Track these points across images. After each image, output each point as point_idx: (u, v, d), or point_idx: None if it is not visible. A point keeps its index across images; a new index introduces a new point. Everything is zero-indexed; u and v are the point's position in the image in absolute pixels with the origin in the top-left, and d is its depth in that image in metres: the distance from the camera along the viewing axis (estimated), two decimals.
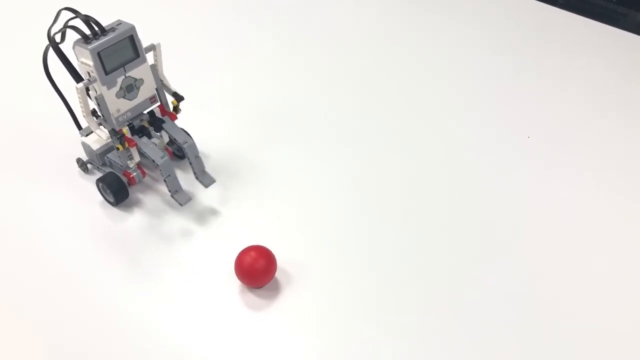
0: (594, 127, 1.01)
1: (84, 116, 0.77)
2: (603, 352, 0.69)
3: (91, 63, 0.72)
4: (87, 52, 0.71)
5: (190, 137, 0.84)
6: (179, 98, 0.84)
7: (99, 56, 0.72)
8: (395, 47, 1.22)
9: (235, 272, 0.74)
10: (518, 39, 1.24)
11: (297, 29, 1.28)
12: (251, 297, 0.75)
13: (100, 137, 0.87)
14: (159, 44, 0.80)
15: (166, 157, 0.81)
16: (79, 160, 0.91)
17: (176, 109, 0.84)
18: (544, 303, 0.74)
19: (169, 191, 0.84)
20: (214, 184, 0.86)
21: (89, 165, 0.91)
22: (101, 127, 0.88)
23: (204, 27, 1.28)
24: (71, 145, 0.94)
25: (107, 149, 0.88)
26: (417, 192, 0.89)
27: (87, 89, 0.75)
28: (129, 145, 0.79)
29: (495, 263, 0.79)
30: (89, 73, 0.74)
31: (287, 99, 1.07)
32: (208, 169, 0.87)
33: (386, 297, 0.75)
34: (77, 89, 0.73)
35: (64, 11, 0.75)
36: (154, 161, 0.82)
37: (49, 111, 0.99)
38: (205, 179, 0.84)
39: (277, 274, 0.77)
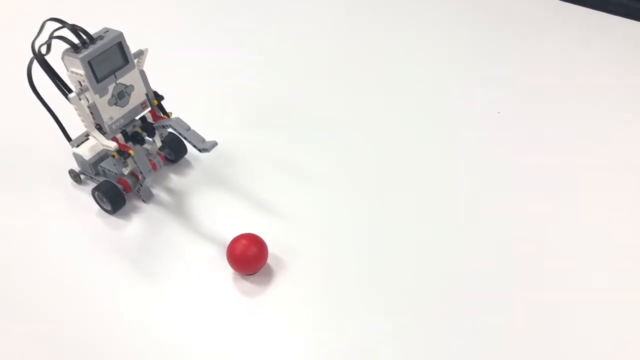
0: (564, 104, 1.05)
1: (88, 131, 0.77)
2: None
3: (82, 72, 0.72)
4: (78, 62, 0.71)
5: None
6: (159, 97, 0.84)
7: (90, 64, 0.72)
8: (387, 44, 1.24)
9: (228, 260, 0.76)
10: (488, 22, 1.27)
11: (293, 29, 1.29)
12: (245, 284, 0.77)
13: (93, 147, 0.87)
14: (146, 49, 0.80)
15: (152, 172, 0.86)
16: (71, 172, 0.90)
17: (163, 109, 0.85)
18: (533, 291, 0.77)
19: (138, 191, 0.87)
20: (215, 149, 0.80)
21: (82, 176, 0.90)
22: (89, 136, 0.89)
23: (191, 30, 1.29)
24: (61, 157, 0.93)
25: (99, 158, 0.88)
26: (405, 177, 0.92)
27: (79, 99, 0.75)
28: (123, 149, 0.79)
29: (481, 245, 0.81)
30: (80, 82, 0.74)
31: (277, 97, 1.09)
32: (201, 165, 0.88)
33: (377, 280, 0.77)
34: (70, 99, 0.73)
35: (48, 22, 0.75)
36: (141, 172, 0.83)
37: (33, 125, 0.99)
38: (207, 145, 0.78)
39: (269, 260, 0.79)
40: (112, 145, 0.76)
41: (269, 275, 0.78)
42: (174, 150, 0.92)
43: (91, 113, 0.76)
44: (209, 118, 1.01)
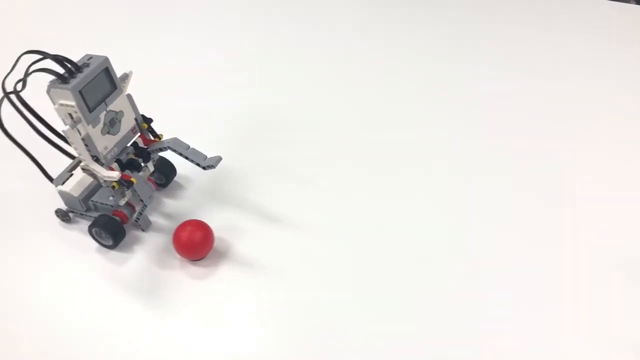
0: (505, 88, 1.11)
1: (84, 165, 0.73)
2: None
3: (73, 103, 0.68)
4: (68, 93, 0.67)
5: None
6: (147, 120, 0.82)
7: (81, 94, 0.68)
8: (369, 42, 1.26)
9: (175, 247, 0.78)
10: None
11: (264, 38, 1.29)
12: (193, 269, 0.79)
13: (79, 182, 0.83)
14: (131, 72, 0.77)
15: (152, 199, 0.83)
16: (58, 212, 0.85)
17: (154, 132, 0.82)
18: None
19: (136, 220, 0.84)
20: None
21: (70, 214, 0.85)
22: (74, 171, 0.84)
23: (168, 41, 1.25)
24: (41, 198, 0.88)
25: (89, 193, 0.83)
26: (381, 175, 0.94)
27: None
28: (125, 179, 0.76)
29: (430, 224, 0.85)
30: (70, 115, 0.69)
31: (252, 105, 1.08)
32: (193, 185, 0.86)
33: (324, 250, 0.81)
34: (66, 133, 0.68)
35: (24, 56, 0.70)
36: (141, 200, 0.80)
37: (4, 169, 0.92)
38: (211, 161, 0.78)
39: (215, 243, 0.81)
40: (115, 175, 0.72)
41: (217, 257, 0.80)
42: (164, 174, 0.89)
43: (86, 145, 0.72)
44: (190, 134, 0.99)
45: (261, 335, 0.72)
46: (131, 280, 0.79)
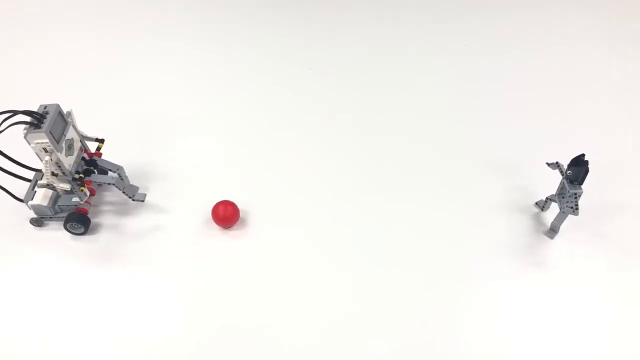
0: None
1: (44, 182, 1.06)
2: None
3: (47, 140, 1.00)
4: (42, 134, 0.99)
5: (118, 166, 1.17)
6: (100, 140, 1.15)
7: (51, 133, 1.01)
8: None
9: (213, 217, 1.14)
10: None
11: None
12: (229, 232, 1.18)
13: (44, 195, 1.14)
14: (71, 110, 1.09)
15: (116, 176, 1.15)
16: (32, 220, 1.15)
17: (99, 148, 1.16)
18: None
19: (130, 196, 1.16)
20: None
21: (42, 220, 1.16)
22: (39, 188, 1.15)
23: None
24: (7, 215, 1.17)
25: (54, 201, 1.14)
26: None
27: None
28: (87, 184, 1.10)
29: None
30: (44, 149, 1.02)
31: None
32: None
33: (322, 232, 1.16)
34: (47, 162, 1.01)
35: None
36: (109, 183, 1.14)
37: None
38: (140, 196, 1.17)
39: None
40: (67, 187, 1.08)
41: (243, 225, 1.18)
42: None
43: (59, 167, 1.04)
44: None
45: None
46: (102, 250, 1.13)
